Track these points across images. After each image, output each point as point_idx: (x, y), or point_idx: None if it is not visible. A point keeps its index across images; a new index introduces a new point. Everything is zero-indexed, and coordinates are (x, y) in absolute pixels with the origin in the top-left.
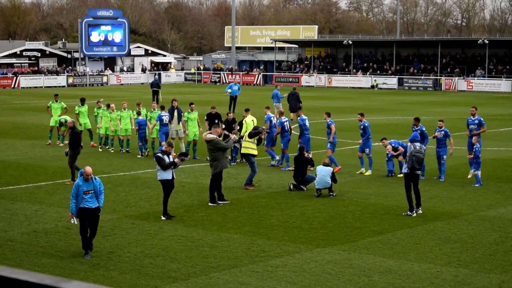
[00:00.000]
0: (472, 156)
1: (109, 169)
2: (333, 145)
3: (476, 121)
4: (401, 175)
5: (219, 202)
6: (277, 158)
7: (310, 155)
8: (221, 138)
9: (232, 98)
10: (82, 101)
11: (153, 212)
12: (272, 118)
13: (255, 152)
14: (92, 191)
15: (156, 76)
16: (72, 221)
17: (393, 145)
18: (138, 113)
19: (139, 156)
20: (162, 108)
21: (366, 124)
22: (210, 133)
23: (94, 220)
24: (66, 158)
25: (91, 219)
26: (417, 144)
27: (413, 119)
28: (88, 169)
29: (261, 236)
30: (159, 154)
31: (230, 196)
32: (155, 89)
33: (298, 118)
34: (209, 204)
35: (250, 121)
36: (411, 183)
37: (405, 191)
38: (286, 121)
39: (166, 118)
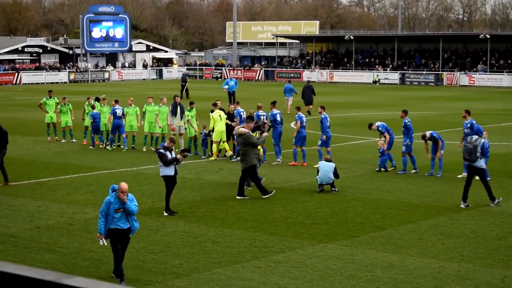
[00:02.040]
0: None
1: (111, 165)
2: (299, 139)
3: (469, 125)
4: (392, 168)
5: (246, 195)
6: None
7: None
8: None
9: (230, 93)
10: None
11: (155, 208)
12: (241, 113)
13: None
14: (122, 210)
15: (185, 71)
16: (101, 243)
17: (380, 129)
18: (93, 107)
19: (92, 148)
20: (116, 101)
21: (322, 117)
22: (243, 127)
23: (124, 242)
24: (68, 153)
25: (122, 242)
26: (474, 136)
27: (401, 111)
28: (124, 185)
29: (264, 231)
30: (161, 150)
31: (233, 192)
32: (182, 83)
33: (270, 113)
34: (237, 197)
35: (217, 116)
36: (472, 175)
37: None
38: (263, 116)
39: (119, 111)
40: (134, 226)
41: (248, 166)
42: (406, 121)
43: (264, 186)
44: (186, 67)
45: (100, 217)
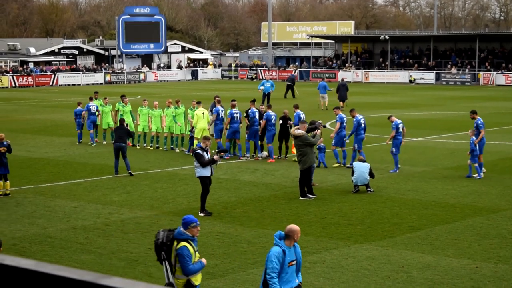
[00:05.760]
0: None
1: (147, 166)
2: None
3: (474, 124)
4: (337, 164)
5: (310, 196)
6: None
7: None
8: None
9: (265, 95)
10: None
11: (190, 209)
12: (220, 111)
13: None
14: (295, 262)
15: (294, 72)
16: None
17: (337, 118)
18: (78, 104)
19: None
20: (91, 99)
21: (295, 114)
22: (298, 128)
23: None
24: (104, 154)
25: None
26: None
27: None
28: (297, 228)
29: None
30: (199, 151)
31: (267, 192)
32: (289, 83)
33: (250, 110)
34: (300, 198)
35: (200, 114)
36: None
37: None
38: (237, 113)
39: (93, 108)
40: (300, 279)
41: (308, 167)
42: (354, 119)
43: (311, 189)
44: (220, 68)
45: (273, 276)
